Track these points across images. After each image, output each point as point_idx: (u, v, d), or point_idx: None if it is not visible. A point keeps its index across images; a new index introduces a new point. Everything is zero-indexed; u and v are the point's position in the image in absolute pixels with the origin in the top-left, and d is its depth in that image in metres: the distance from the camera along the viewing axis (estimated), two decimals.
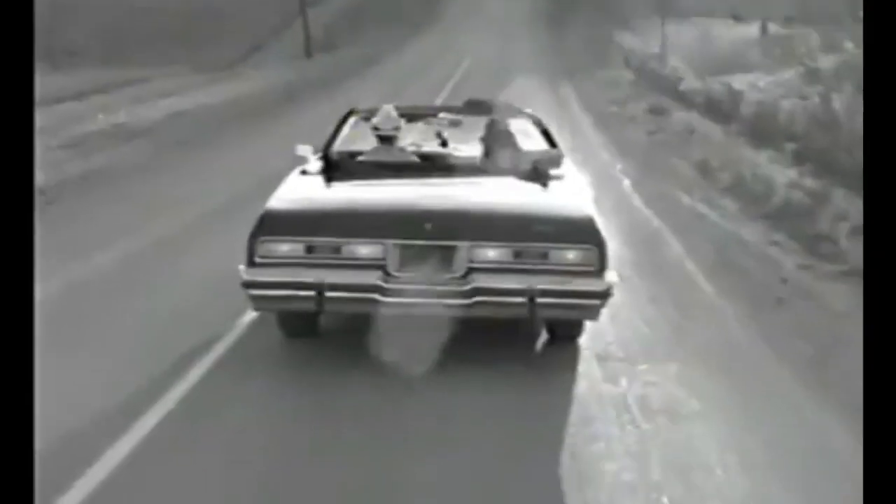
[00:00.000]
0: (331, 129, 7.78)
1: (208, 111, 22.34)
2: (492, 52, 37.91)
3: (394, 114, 7.23)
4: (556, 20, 50.44)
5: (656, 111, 19.98)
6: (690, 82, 21.33)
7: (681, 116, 18.50)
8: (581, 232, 5.71)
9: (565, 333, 6.34)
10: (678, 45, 30.57)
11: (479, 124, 7.64)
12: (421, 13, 59.06)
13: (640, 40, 34.03)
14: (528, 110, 8.47)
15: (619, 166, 14.41)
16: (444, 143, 7.85)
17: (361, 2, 64.87)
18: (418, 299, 5.56)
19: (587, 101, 23.79)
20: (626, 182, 13.03)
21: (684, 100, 20.47)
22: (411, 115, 7.85)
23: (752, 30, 31.50)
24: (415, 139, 7.88)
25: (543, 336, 6.48)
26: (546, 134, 7.73)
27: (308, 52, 46.66)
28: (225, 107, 23.58)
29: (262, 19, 57.47)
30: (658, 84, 23.31)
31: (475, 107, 7.95)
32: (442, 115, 8.08)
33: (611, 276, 5.71)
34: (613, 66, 30.13)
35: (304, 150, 7.41)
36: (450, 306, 5.61)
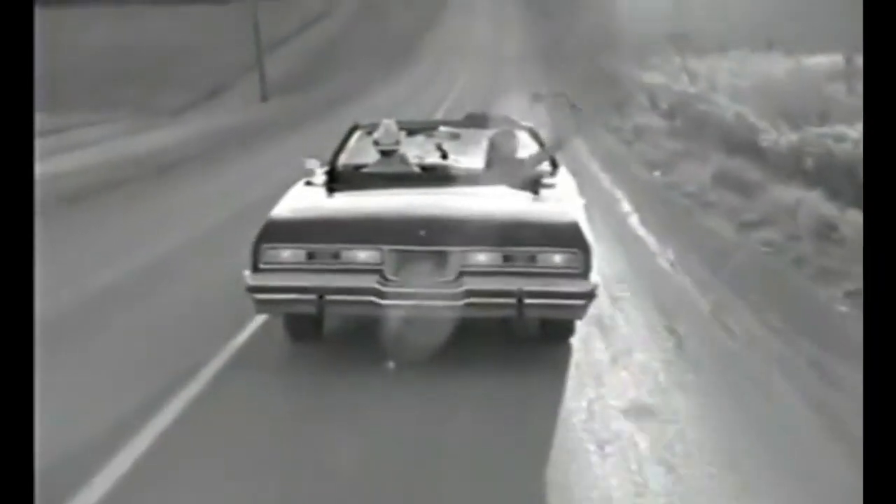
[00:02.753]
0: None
1: (89, 174, 15.89)
2: (478, 95, 30.37)
3: (394, 128, 7.27)
4: (551, 56, 42.82)
5: (734, 182, 12.35)
6: (776, 135, 13.66)
7: (786, 195, 10.84)
8: (566, 236, 5.80)
9: (557, 333, 6.36)
10: (718, 80, 22.97)
11: (477, 136, 7.80)
12: (398, 52, 51.90)
13: (661, 76, 26.38)
14: (527, 123, 8.02)
15: (733, 327, 6.73)
16: (444, 156, 7.79)
17: (332, 41, 58.06)
18: (414, 301, 5.65)
19: (613, 164, 16.14)
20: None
21: (773, 162, 12.84)
22: (411, 129, 7.89)
23: (813, 62, 23.94)
24: (417, 152, 7.78)
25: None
26: (541, 144, 7.69)
27: (264, 96, 40.37)
28: (116, 168, 16.80)
29: (231, 59, 52.13)
30: (715, 136, 15.67)
31: (474, 120, 8.00)
32: (442, 128, 8.03)
33: (595, 277, 5.74)
34: (635, 109, 22.45)
35: (311, 163, 7.34)
36: (443, 307, 5.68)
